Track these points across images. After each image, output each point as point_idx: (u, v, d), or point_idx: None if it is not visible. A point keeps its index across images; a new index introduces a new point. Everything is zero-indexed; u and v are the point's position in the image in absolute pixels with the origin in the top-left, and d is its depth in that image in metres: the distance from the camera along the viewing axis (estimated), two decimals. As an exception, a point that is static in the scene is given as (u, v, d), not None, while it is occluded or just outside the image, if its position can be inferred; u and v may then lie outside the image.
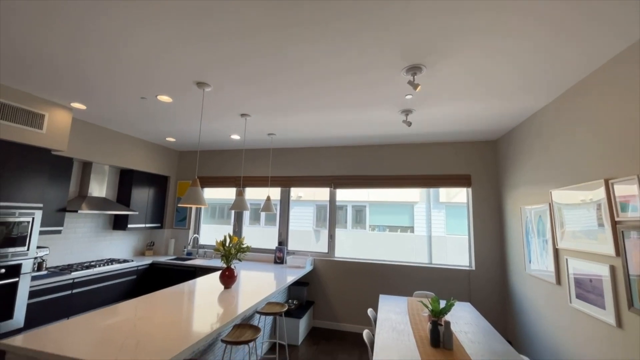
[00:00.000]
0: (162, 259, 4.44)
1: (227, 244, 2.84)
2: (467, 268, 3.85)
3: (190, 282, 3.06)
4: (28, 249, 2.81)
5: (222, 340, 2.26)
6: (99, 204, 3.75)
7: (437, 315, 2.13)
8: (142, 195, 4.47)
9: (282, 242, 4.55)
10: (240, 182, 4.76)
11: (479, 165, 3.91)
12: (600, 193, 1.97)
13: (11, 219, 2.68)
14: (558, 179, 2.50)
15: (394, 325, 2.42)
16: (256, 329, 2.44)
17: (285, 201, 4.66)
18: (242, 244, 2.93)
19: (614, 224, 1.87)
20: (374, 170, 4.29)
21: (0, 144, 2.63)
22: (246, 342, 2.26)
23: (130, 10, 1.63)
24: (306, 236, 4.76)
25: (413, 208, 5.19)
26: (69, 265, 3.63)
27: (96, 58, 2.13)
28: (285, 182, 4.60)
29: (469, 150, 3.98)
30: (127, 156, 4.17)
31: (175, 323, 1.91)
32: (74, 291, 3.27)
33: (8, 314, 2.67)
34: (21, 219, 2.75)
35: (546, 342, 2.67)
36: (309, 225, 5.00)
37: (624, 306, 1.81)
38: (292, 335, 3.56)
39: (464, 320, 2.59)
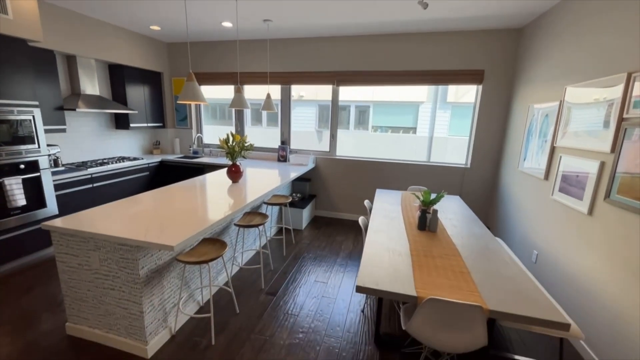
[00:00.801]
0: (171, 157, 4.63)
1: (230, 142, 2.90)
2: (463, 166, 4.02)
3: (201, 177, 3.27)
4: (39, 147, 2.91)
5: (235, 224, 2.58)
6: (96, 102, 3.66)
7: (426, 205, 2.35)
8: (137, 93, 4.31)
9: (285, 141, 4.63)
10: (237, 79, 4.49)
11: (496, 58, 3.57)
12: (617, 91, 1.86)
13: (11, 117, 2.67)
14: (578, 73, 2.32)
15: (387, 214, 2.70)
16: (264, 216, 2.75)
17: (286, 100, 4.50)
18: (245, 142, 2.99)
19: (620, 120, 1.83)
20: (380, 65, 3.96)
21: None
22: (256, 226, 2.59)
23: None
24: (308, 137, 4.80)
25: (418, 108, 5.02)
26: (83, 162, 3.82)
27: None
28: (286, 79, 4.33)
29: (487, 41, 3.56)
30: (112, 49, 3.81)
31: (192, 210, 2.14)
32: (94, 185, 3.55)
33: (41, 203, 2.98)
34: (21, 117, 2.74)
35: (521, 228, 3.03)
36: (311, 126, 4.97)
37: (600, 197, 1.97)
38: (297, 222, 4.04)
39: (451, 210, 2.87)
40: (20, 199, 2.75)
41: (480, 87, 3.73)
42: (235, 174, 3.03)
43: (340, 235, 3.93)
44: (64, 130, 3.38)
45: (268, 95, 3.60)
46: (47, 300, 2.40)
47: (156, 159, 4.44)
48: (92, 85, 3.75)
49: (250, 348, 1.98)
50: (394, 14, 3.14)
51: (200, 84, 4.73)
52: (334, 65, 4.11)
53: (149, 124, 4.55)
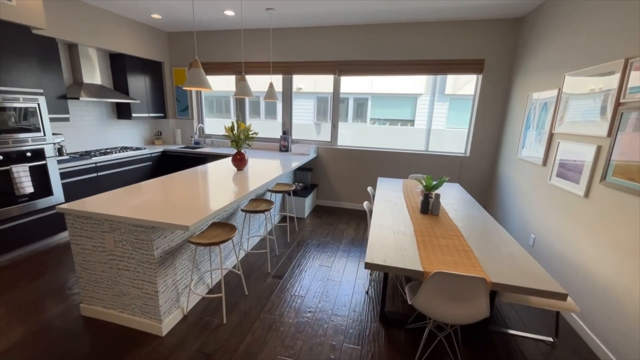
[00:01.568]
0: (173, 147, 4.64)
1: (235, 130, 2.94)
2: (462, 155, 4.09)
3: (206, 165, 3.31)
4: (44, 135, 2.93)
5: (242, 210, 2.64)
6: (98, 91, 3.66)
7: (429, 190, 2.42)
8: (139, 83, 4.30)
9: (286, 131, 4.66)
10: (239, 68, 4.49)
11: (496, 48, 3.62)
12: (614, 77, 1.93)
13: (17, 105, 2.68)
14: (576, 61, 2.38)
15: (390, 199, 2.78)
16: (269, 202, 2.80)
17: (287, 90, 4.52)
18: (250, 131, 3.03)
19: (617, 105, 1.90)
20: (381, 55, 3.99)
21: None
22: (262, 212, 2.65)
23: None
24: (307, 129, 4.83)
25: (416, 100, 5.07)
26: (86, 151, 3.84)
27: None
28: (287, 69, 4.34)
29: (487, 30, 3.60)
30: (113, 37, 3.80)
31: (201, 195, 2.19)
32: (99, 174, 3.58)
33: (48, 191, 3.01)
34: (27, 105, 2.75)
35: (519, 213, 3.12)
36: (310, 118, 4.99)
37: (596, 180, 2.05)
38: (299, 210, 4.11)
39: (451, 196, 2.95)
40: (27, 187, 2.78)
41: (480, 76, 3.79)
42: (240, 161, 3.07)
43: (342, 223, 4.01)
44: (67, 119, 3.39)
45: (271, 85, 3.63)
46: (59, 284, 2.45)
47: (158, 149, 4.46)
48: (93, 74, 3.74)
49: (260, 326, 2.05)
50: (395, 2, 3.16)
51: (201, 74, 4.72)
52: (336, 55, 4.13)
53: (151, 114, 4.56)
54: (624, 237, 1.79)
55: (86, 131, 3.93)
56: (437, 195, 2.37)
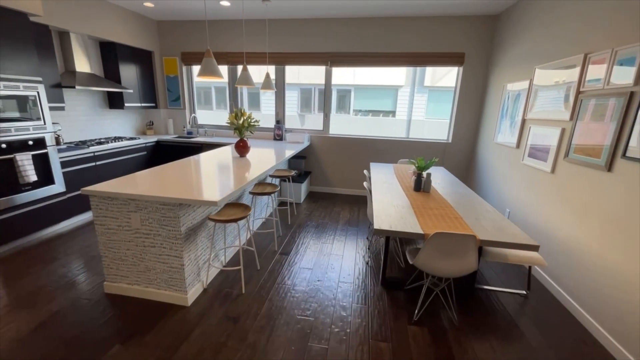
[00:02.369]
0: (166, 137, 4.67)
1: (239, 118, 3.08)
2: (445, 141, 4.45)
3: (207, 153, 3.43)
4: (45, 123, 2.93)
5: (250, 192, 2.82)
6: (91, 80, 3.63)
7: (421, 170, 2.71)
8: (130, 73, 4.28)
9: (280, 120, 4.82)
10: (232, 59, 4.56)
11: (474, 42, 3.95)
12: (576, 69, 2.28)
13: (18, 93, 2.67)
14: (545, 55, 2.74)
15: (385, 180, 3.05)
16: (274, 185, 3.00)
17: (280, 80, 4.66)
18: (251, 119, 3.18)
19: (578, 93, 2.26)
20: (370, 47, 4.22)
21: (-29, 4, 2.35)
22: (269, 194, 2.84)
23: None
24: (291, 120, 4.96)
25: (397, 92, 5.36)
26: (82, 141, 3.81)
27: None
28: (280, 60, 4.48)
29: (467, 26, 3.92)
30: (104, 25, 3.76)
31: (214, 176, 2.35)
32: (97, 163, 3.59)
33: (50, 179, 3.02)
34: (27, 93, 2.75)
35: (495, 190, 3.51)
36: (294, 109, 5.13)
37: (561, 157, 2.42)
38: (296, 196, 4.31)
39: (438, 177, 3.28)
40: (32, 175, 2.79)
41: (461, 68, 4.12)
42: (243, 148, 3.23)
43: (337, 206, 4.27)
44: (62, 109, 3.37)
45: (267, 75, 3.76)
46: (76, 267, 2.53)
47: (152, 139, 4.47)
48: (85, 62, 3.70)
49: (276, 294, 2.27)
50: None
51: (191, 64, 4.75)
52: (328, 47, 4.32)
53: (142, 104, 4.54)
54: (582, 203, 2.16)
55: (79, 120, 3.89)
56: (429, 174, 2.67)
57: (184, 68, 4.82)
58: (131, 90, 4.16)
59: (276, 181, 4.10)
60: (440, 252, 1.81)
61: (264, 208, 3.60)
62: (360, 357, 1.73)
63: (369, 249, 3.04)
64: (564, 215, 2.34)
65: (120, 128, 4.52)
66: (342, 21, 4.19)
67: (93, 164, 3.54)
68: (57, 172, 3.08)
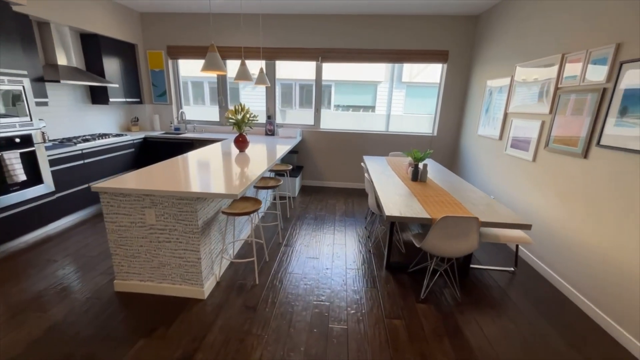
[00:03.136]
0: (153, 133, 4.53)
1: (239, 113, 3.09)
2: (430, 135, 4.70)
3: (205, 148, 3.40)
4: (31, 120, 2.78)
5: (255, 187, 2.86)
6: (76, 74, 3.46)
7: (417, 160, 2.89)
8: (113, 67, 4.10)
9: (270, 116, 4.83)
10: (222, 53, 4.50)
11: (457, 40, 4.20)
12: (554, 67, 2.54)
13: (3, 87, 2.52)
14: (525, 54, 3.00)
15: (382, 172, 3.21)
16: (277, 179, 3.05)
17: (271, 75, 4.67)
18: (250, 114, 3.20)
19: (556, 90, 2.53)
20: (359, 44, 4.35)
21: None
22: (272, 188, 2.90)
23: None
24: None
25: (377, 88, 5.55)
26: (67, 138, 3.63)
27: None
28: (272, 55, 4.48)
29: (450, 25, 4.16)
30: (86, 16, 3.57)
31: (221, 171, 2.37)
32: (86, 161, 3.44)
33: (38, 179, 2.87)
34: (12, 87, 2.59)
35: (479, 180, 3.79)
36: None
37: (541, 147, 2.69)
38: (291, 190, 4.38)
39: (429, 168, 3.49)
40: (20, 174, 2.65)
41: (445, 65, 4.37)
42: (242, 143, 3.24)
43: (331, 199, 4.39)
44: (46, 104, 3.19)
45: (261, 70, 3.77)
46: (77, 267, 2.46)
47: (139, 135, 4.33)
48: (67, 55, 3.51)
49: (289, 283, 2.36)
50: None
51: (177, 58, 4.62)
52: (318, 42, 4.38)
53: (127, 99, 4.38)
54: (561, 187, 2.44)
55: (62, 116, 3.69)
56: (425, 165, 2.86)
57: (170, 62, 4.69)
58: (117, 85, 4.00)
59: (272, 175, 4.14)
60: (447, 235, 1.99)
61: (263, 202, 3.64)
62: (379, 334, 1.88)
63: (368, 237, 3.19)
64: (545, 199, 2.61)
65: (104, 124, 4.33)
66: (333, 18, 4.28)
67: (81, 161, 3.39)
68: (46, 170, 2.94)
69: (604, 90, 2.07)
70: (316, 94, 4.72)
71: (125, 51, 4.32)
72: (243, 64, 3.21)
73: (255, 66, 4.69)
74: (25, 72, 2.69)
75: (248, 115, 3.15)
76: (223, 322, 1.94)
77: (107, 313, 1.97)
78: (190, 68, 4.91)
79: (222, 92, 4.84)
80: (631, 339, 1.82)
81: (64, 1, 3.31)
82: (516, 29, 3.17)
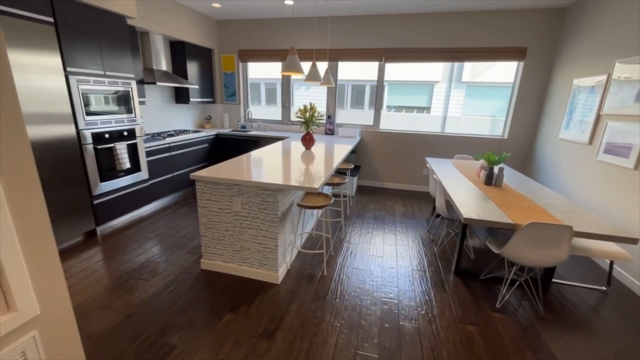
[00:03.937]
0: (224, 130, 4.94)
1: (307, 112, 3.24)
2: (500, 137, 4.40)
3: (274, 145, 3.62)
4: (135, 116, 3.23)
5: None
6: (167, 77, 3.93)
7: (493, 164, 2.75)
8: (194, 70, 4.57)
9: (330, 115, 4.95)
10: (300, 55, 4.74)
11: (538, 36, 3.87)
12: (669, 60, 2.22)
13: (117, 88, 2.98)
14: (626, 49, 2.67)
15: (449, 174, 3.10)
16: (342, 177, 3.13)
17: (333, 76, 4.78)
18: (318, 113, 3.33)
19: (671, 88, 2.21)
20: (425, 43, 4.24)
21: (90, 11, 2.64)
22: (338, 184, 2.99)
23: None
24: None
25: (433, 88, 5.30)
26: (157, 133, 4.15)
27: None
28: (334, 56, 4.60)
29: (530, 19, 3.84)
30: (175, 25, 4.05)
31: (296, 166, 2.51)
32: (172, 153, 3.90)
33: (137, 167, 3.34)
34: (124, 89, 3.05)
35: (560, 183, 3.46)
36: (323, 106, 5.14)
37: (647, 153, 2.37)
38: (350, 188, 4.44)
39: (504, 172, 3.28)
40: (126, 163, 3.10)
41: (522, 63, 4.05)
42: (309, 141, 3.39)
43: (389, 200, 4.36)
44: (144, 103, 3.68)
45: (327, 71, 3.89)
46: (168, 245, 2.81)
47: (212, 132, 4.76)
48: (160, 60, 4.00)
49: (355, 277, 2.42)
50: (453, -6, 3.40)
51: (246, 61, 4.98)
52: (382, 43, 4.38)
53: (202, 99, 4.84)
54: (673, 200, 2.13)
55: (154, 114, 4.23)
56: (501, 169, 2.70)
57: (241, 65, 5.07)
58: (197, 86, 4.45)
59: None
60: (532, 242, 1.87)
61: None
62: (453, 338, 1.84)
63: (432, 240, 3.12)
64: (649, 212, 2.30)
65: (182, 121, 4.84)
66: (396, 17, 4.24)
67: (168, 154, 3.85)
68: (143, 160, 3.40)
69: None
70: (377, 94, 4.72)
71: (204, 55, 4.78)
72: (314, 66, 3.36)
73: (320, 68, 4.84)
74: (133, 76, 3.14)
75: (316, 114, 3.29)
76: (297, 307, 2.06)
77: (198, 287, 2.23)
78: (250, 69, 5.24)
79: (286, 92, 5.09)
80: None
81: (160, 13, 3.78)
82: (616, 22, 2.83)
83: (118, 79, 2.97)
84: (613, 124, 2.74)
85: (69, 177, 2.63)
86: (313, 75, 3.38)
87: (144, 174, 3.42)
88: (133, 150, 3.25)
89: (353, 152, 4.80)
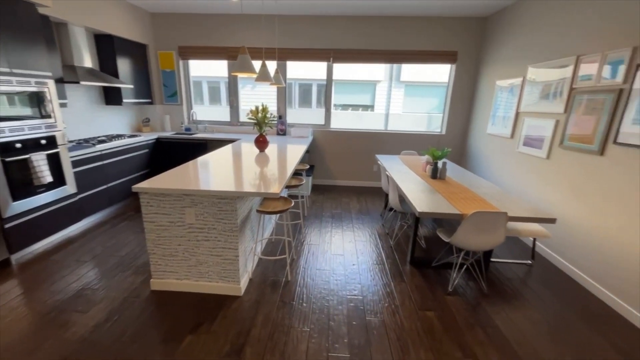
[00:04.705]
0: (165, 134, 4.54)
1: (260, 113, 3.14)
2: (438, 133, 4.82)
3: (224, 148, 3.44)
4: (55, 121, 2.78)
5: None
6: (93, 75, 3.45)
7: (437, 159, 2.99)
8: (126, 67, 4.09)
9: (281, 115, 4.88)
10: (232, 53, 4.53)
11: (466, 41, 4.31)
12: (569, 68, 2.66)
13: (29, 89, 2.52)
14: (536, 56, 3.12)
15: (398, 169, 3.30)
16: (299, 179, 3.11)
17: (282, 75, 4.71)
18: (269, 113, 3.25)
19: (570, 90, 2.65)
20: (369, 44, 4.42)
21: (-19, -6, 2.18)
22: (295, 187, 2.96)
23: None
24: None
25: (375, 87, 5.62)
26: (85, 139, 3.62)
27: None
28: (283, 55, 4.53)
29: (459, 26, 4.26)
30: (101, 16, 3.57)
31: (251, 170, 2.42)
32: (104, 162, 3.45)
33: (62, 180, 2.88)
34: (38, 89, 2.59)
35: (490, 173, 3.92)
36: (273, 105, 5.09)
37: (555, 145, 2.81)
38: (305, 189, 4.44)
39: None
40: (47, 176, 2.66)
41: (454, 66, 4.48)
42: (262, 143, 3.29)
43: (344, 197, 4.47)
44: (65, 105, 3.19)
45: (277, 71, 3.82)
46: (108, 267, 2.48)
47: (152, 136, 4.33)
48: (83, 56, 3.50)
49: (320, 278, 2.43)
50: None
51: (187, 59, 4.63)
52: (330, 43, 4.45)
53: (138, 100, 4.37)
54: (577, 183, 2.56)
55: (79, 117, 3.68)
56: (444, 163, 2.96)
57: (181, 62, 4.69)
58: (131, 86, 4.00)
59: (286, 175, 4.19)
60: (476, 229, 2.08)
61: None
62: (415, 326, 1.96)
63: (388, 234, 3.28)
64: (559, 194, 2.74)
65: (116, 125, 4.32)
66: (343, 19, 4.34)
67: (100, 162, 3.39)
68: (69, 172, 2.95)
69: (621, 90, 2.18)
70: (326, 94, 4.79)
71: (137, 51, 4.32)
72: (264, 65, 3.26)
73: (270, 67, 4.71)
74: (49, 74, 2.69)
75: (268, 115, 3.21)
76: (264, 317, 2.00)
77: (149, 311, 2.02)
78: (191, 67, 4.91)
79: (234, 92, 4.87)
80: (651, 324, 1.94)
81: (81, 1, 3.30)
82: (527, 31, 3.29)
83: (30, 78, 2.52)
84: (529, 120, 3.19)
85: (-31, 198, 2.15)
86: (264, 76, 3.28)
87: (70, 187, 2.97)
88: (55, 161, 2.79)
89: (307, 151, 4.81)
